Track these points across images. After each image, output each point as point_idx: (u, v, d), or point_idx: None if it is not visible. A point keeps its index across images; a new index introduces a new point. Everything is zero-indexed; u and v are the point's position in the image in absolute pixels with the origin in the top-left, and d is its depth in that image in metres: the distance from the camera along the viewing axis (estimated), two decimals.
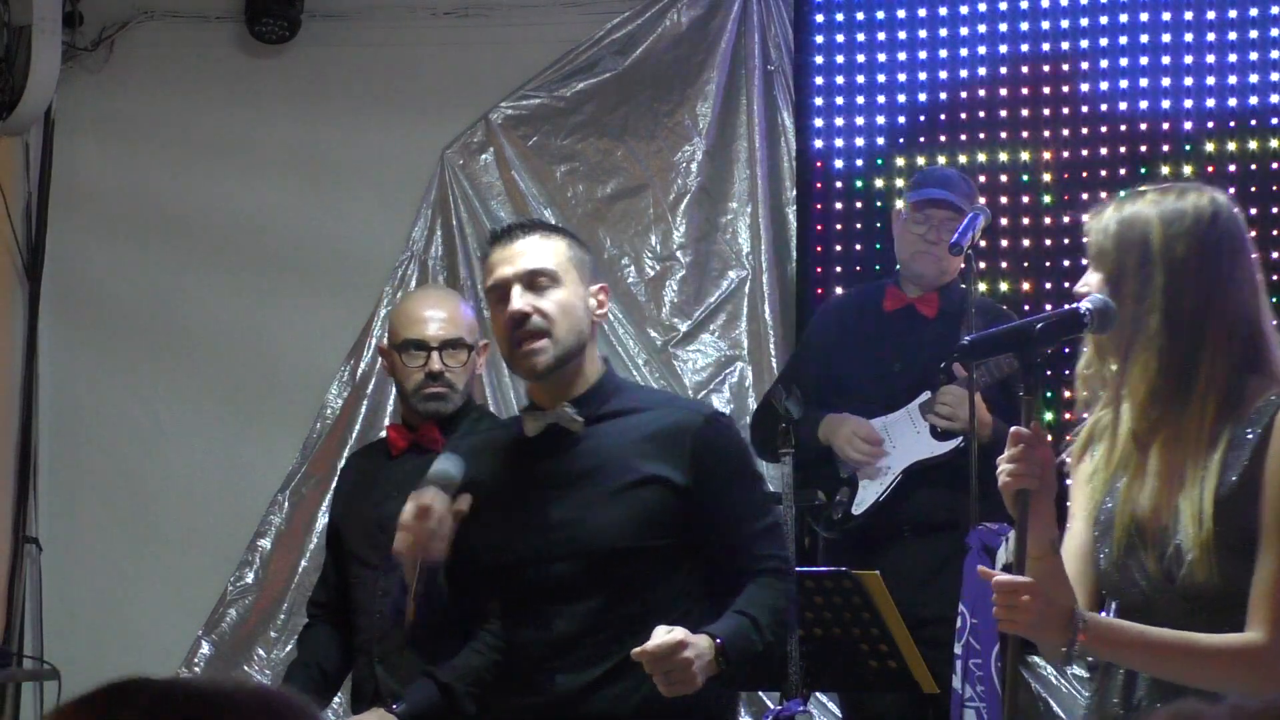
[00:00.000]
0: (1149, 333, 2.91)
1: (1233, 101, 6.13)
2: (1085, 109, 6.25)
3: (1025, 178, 6.28)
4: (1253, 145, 6.07)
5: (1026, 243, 6.26)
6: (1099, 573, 3.02)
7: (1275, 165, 6.06)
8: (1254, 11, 6.12)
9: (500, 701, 3.70)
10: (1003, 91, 6.35)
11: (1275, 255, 6.00)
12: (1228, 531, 2.87)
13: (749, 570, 3.56)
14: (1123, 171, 6.19)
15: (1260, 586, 2.83)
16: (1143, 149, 6.19)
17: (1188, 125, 6.15)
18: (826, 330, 5.75)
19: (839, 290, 6.41)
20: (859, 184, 6.48)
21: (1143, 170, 6.17)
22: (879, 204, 6.44)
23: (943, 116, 6.42)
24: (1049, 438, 2.97)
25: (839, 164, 6.51)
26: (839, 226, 6.50)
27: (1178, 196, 2.99)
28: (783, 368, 6.16)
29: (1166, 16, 6.19)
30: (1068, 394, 6.00)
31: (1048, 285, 6.20)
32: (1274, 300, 4.51)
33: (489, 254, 3.73)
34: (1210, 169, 6.10)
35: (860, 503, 5.42)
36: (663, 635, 3.33)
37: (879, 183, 6.47)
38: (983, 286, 5.84)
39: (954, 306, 5.34)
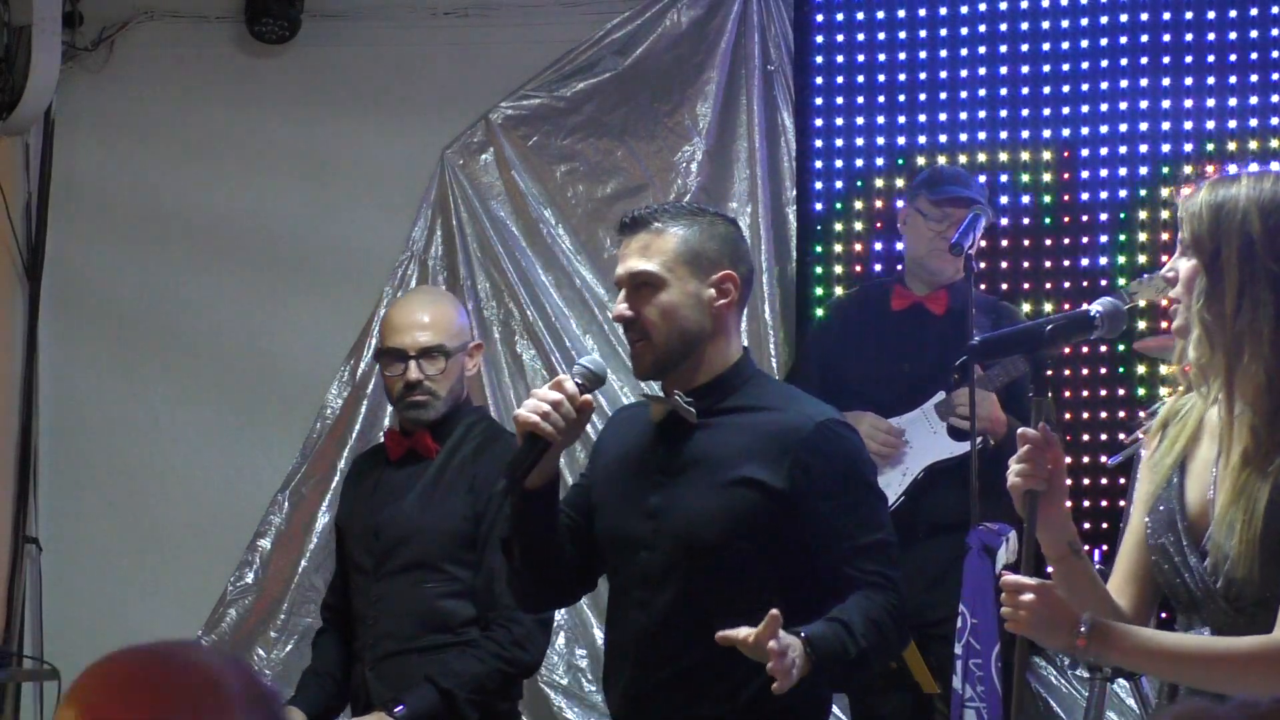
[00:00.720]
0: (1262, 338, 2.86)
1: (1233, 101, 6.13)
2: (1085, 109, 6.25)
3: (1025, 178, 6.27)
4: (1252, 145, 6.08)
5: (1026, 243, 6.26)
6: (1154, 565, 2.99)
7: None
8: (1254, 11, 6.12)
9: (612, 685, 3.65)
10: (1003, 92, 6.35)
11: None
12: (1271, 534, 2.83)
13: (849, 585, 3.47)
14: (1122, 172, 6.19)
15: None
16: (1142, 149, 6.18)
17: (1188, 125, 6.14)
18: (831, 331, 5.75)
19: (839, 290, 6.41)
20: (859, 184, 6.48)
21: (1142, 171, 6.18)
22: (879, 204, 6.44)
23: (943, 116, 6.41)
24: (1058, 439, 2.95)
25: (839, 164, 6.50)
26: (839, 226, 6.50)
27: (1274, 183, 2.92)
28: (787, 370, 6.16)
29: (1167, 16, 6.19)
30: (1067, 394, 6.01)
31: (1048, 285, 6.20)
32: None
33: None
34: (1211, 169, 6.10)
35: None
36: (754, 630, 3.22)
37: (879, 183, 6.46)
38: (982, 286, 5.84)
39: (963, 304, 5.33)
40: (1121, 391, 6.04)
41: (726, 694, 3.44)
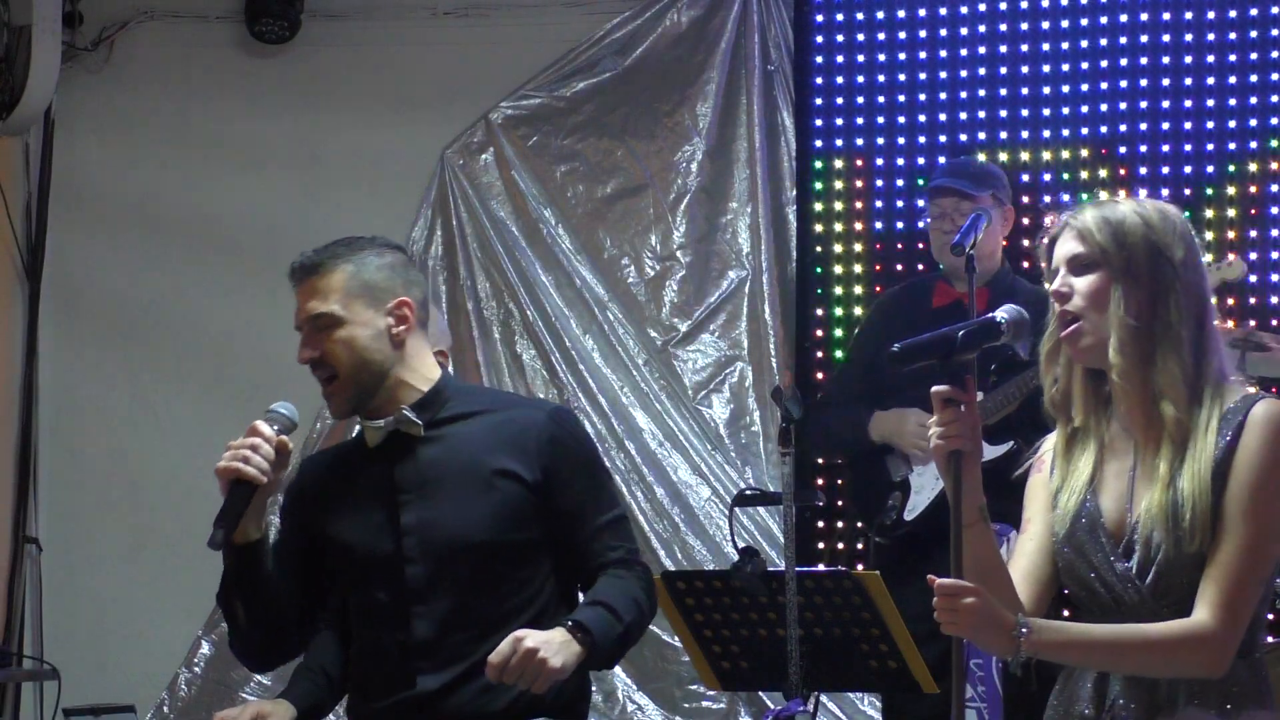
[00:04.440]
0: (1181, 339, 2.99)
1: (1233, 101, 6.13)
2: (1085, 109, 6.25)
3: (1025, 178, 6.28)
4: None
5: (1026, 243, 6.26)
6: (1063, 571, 3.06)
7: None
8: (1253, 11, 6.12)
9: (363, 704, 3.69)
10: (1002, 91, 6.35)
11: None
12: (1202, 508, 2.93)
13: (599, 564, 3.58)
14: (1123, 172, 6.19)
15: (1213, 570, 2.89)
16: (1143, 149, 6.19)
17: (1188, 125, 6.15)
18: (875, 327, 5.73)
19: (839, 290, 6.41)
20: (859, 184, 6.48)
21: (1142, 171, 6.18)
22: (879, 204, 6.45)
23: (942, 116, 6.42)
24: (975, 399, 3.06)
25: (839, 164, 6.51)
26: (839, 226, 6.50)
27: (1145, 202, 3.16)
28: (788, 370, 6.16)
29: (1167, 16, 6.20)
30: None
31: (1047, 286, 6.19)
32: None
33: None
34: (1212, 169, 6.11)
35: (913, 508, 5.41)
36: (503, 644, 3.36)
37: (879, 182, 6.47)
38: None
39: (1003, 298, 5.31)
40: None
41: (513, 685, 3.44)
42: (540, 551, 3.59)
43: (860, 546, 5.89)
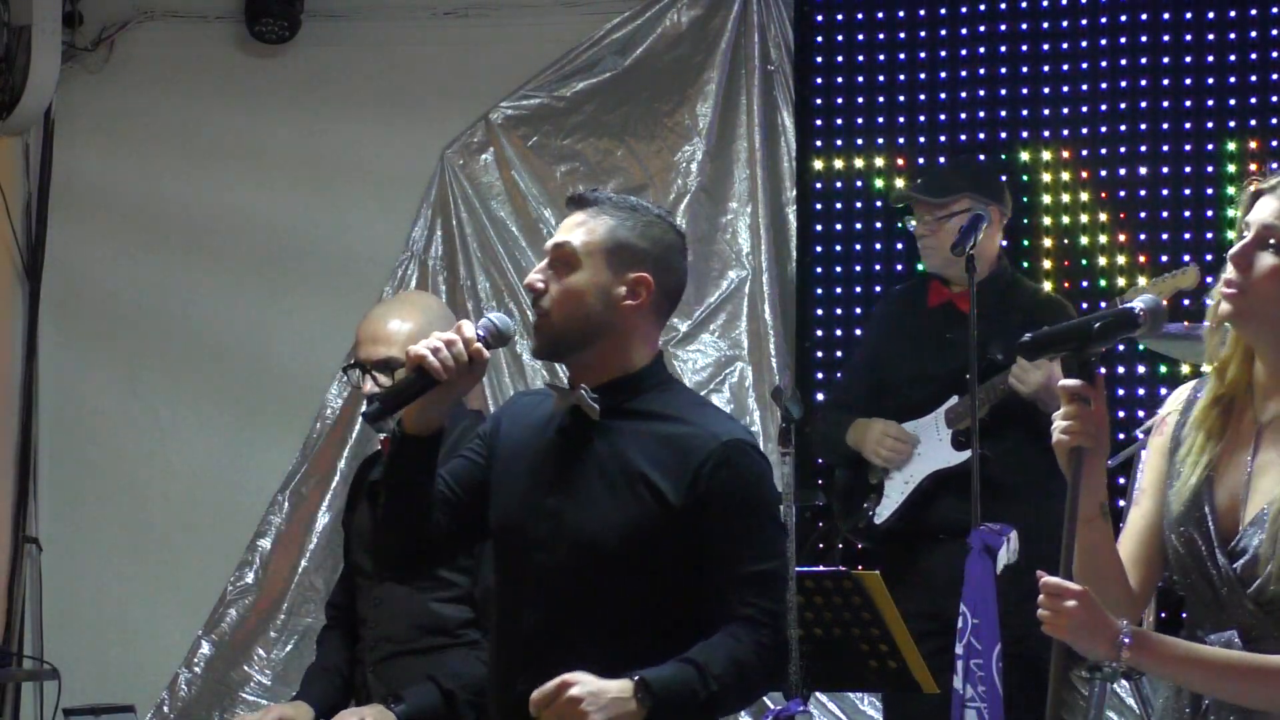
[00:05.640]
0: None
1: (1233, 101, 6.13)
2: (1085, 109, 6.25)
3: (1025, 178, 6.28)
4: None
5: (1027, 243, 6.26)
6: (1169, 559, 2.96)
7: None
8: (1254, 11, 6.13)
9: (498, 681, 3.51)
10: (1003, 91, 6.35)
11: None
12: None
13: (726, 615, 3.31)
14: (1122, 172, 6.19)
15: None
16: (1143, 148, 6.19)
17: (1188, 125, 6.15)
18: (875, 330, 5.74)
19: (839, 290, 6.41)
20: (859, 184, 6.48)
21: (1141, 170, 6.18)
22: (879, 204, 6.44)
23: (943, 116, 6.42)
24: (1101, 393, 2.90)
25: (839, 164, 6.51)
26: (839, 226, 6.50)
27: None
28: (789, 370, 6.16)
29: (1167, 16, 6.20)
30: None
31: (1047, 286, 6.20)
32: None
33: None
34: (1211, 169, 6.12)
35: (881, 512, 5.42)
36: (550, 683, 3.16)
37: (879, 183, 6.47)
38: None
39: (995, 301, 5.30)
40: (1121, 392, 6.04)
41: None
42: (673, 578, 3.34)
43: (860, 547, 5.88)
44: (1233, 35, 6.14)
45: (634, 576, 3.34)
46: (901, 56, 6.49)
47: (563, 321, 3.40)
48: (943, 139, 6.40)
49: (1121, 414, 5.96)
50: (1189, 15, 6.17)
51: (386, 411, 3.40)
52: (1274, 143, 6.06)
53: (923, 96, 6.45)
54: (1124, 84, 6.22)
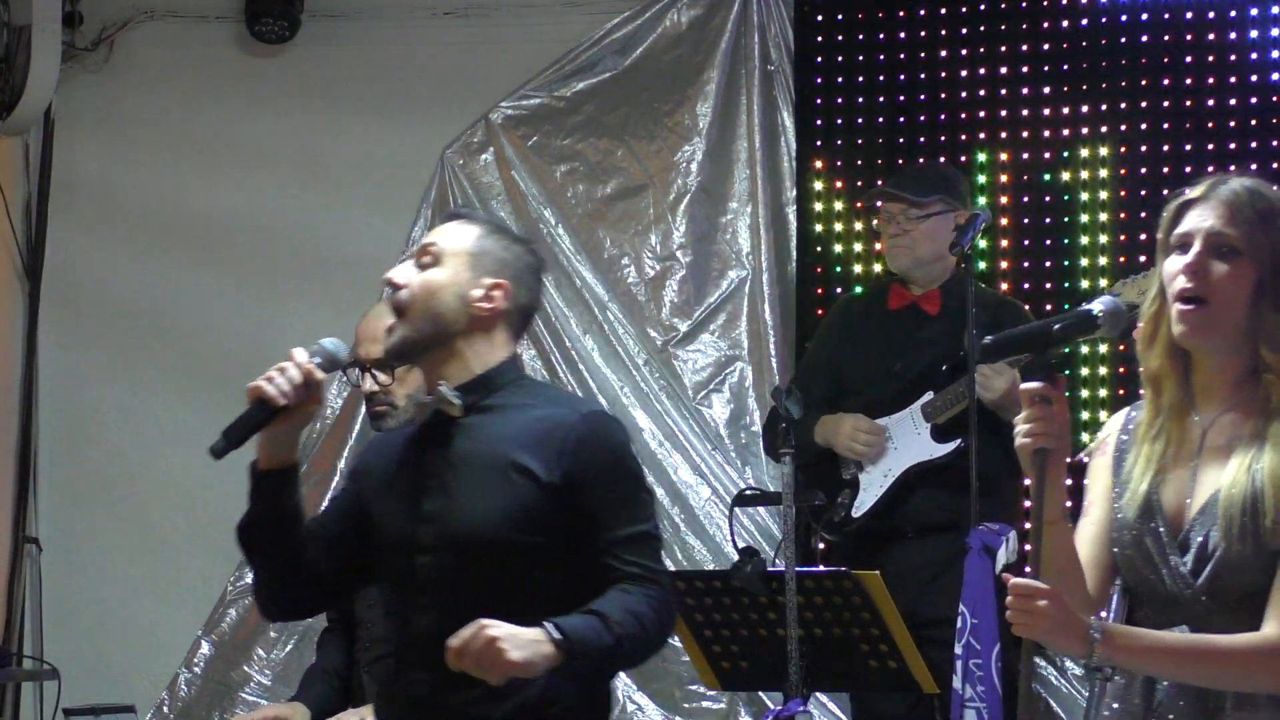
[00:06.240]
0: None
1: (1232, 102, 6.14)
2: (1085, 109, 6.25)
3: (1024, 177, 6.28)
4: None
5: (1026, 243, 6.27)
6: (1120, 561, 3.01)
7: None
8: (1254, 11, 6.13)
9: (377, 700, 3.64)
10: (1002, 91, 6.35)
11: None
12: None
13: (612, 578, 3.39)
14: (1122, 172, 6.19)
15: None
16: (1143, 149, 6.19)
17: (1188, 125, 6.15)
18: (834, 327, 5.76)
19: (839, 291, 6.41)
20: (859, 184, 6.48)
21: (1142, 170, 6.18)
22: (878, 204, 6.43)
23: (942, 116, 6.42)
24: (1063, 395, 2.95)
25: (839, 164, 6.51)
26: (839, 226, 6.50)
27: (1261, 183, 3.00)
28: (796, 368, 6.17)
29: (1166, 16, 6.20)
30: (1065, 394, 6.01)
31: (1048, 285, 6.21)
32: None
33: None
34: (1211, 169, 6.10)
35: (859, 505, 5.42)
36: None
37: (878, 183, 6.45)
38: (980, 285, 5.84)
39: (957, 304, 5.34)
40: (1121, 392, 6.05)
41: (516, 690, 3.33)
42: (559, 557, 3.43)
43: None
44: (1233, 35, 6.14)
45: (522, 561, 3.42)
46: (902, 56, 6.49)
47: (418, 315, 3.50)
48: (942, 139, 6.40)
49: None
50: (1189, 15, 6.17)
51: (232, 445, 3.50)
52: (1252, 144, 6.06)
53: (923, 97, 6.45)
54: (1123, 85, 6.22)
